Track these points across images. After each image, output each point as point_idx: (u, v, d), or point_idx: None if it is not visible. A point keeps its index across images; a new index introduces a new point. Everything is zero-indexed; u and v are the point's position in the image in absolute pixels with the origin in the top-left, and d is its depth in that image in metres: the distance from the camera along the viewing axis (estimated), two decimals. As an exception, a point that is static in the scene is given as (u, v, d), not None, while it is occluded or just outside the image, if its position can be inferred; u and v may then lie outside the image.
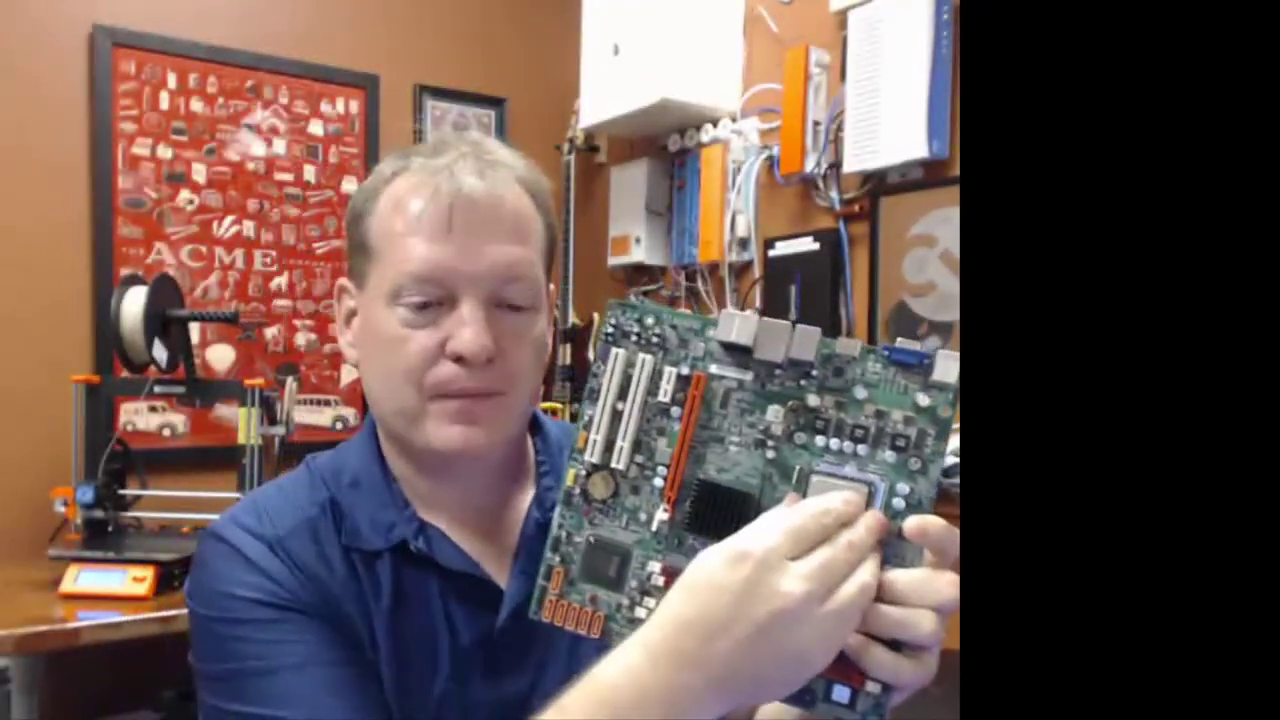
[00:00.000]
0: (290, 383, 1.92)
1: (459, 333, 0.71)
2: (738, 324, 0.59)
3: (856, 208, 1.87)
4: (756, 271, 2.10)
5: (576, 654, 0.75)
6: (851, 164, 1.81)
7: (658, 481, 0.60)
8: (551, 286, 0.81)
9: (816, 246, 1.93)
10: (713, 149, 2.15)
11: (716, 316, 0.60)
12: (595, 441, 0.61)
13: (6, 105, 2.05)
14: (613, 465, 0.61)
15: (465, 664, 0.74)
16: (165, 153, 2.21)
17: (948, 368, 0.56)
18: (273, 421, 1.85)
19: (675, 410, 0.60)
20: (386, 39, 2.48)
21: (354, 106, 2.45)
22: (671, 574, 0.59)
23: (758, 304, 2.08)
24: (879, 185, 1.83)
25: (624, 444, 0.61)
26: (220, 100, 2.28)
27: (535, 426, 0.85)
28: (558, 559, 0.62)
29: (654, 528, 0.60)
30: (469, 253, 0.71)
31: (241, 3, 2.31)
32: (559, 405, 2.40)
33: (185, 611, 0.75)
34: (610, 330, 0.62)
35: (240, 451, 1.79)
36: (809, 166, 1.92)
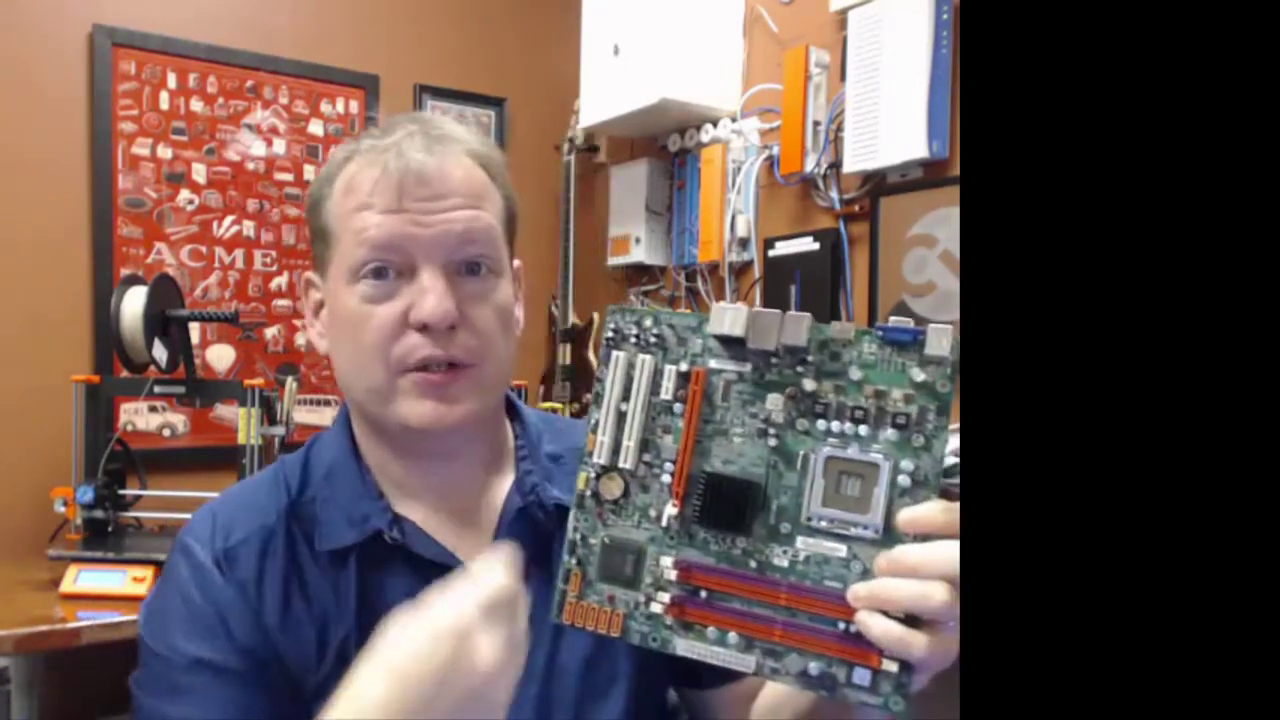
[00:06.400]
0: (290, 383, 1.91)
1: (420, 300, 0.71)
2: (729, 316, 0.59)
3: (856, 208, 1.87)
4: (756, 271, 2.10)
5: (553, 638, 0.76)
6: (851, 164, 1.81)
7: (665, 478, 0.61)
8: (517, 263, 0.81)
9: (816, 246, 1.93)
10: (713, 149, 2.15)
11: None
12: (603, 443, 0.62)
13: (6, 105, 2.05)
14: (621, 465, 0.61)
15: None
16: (165, 153, 2.21)
17: (940, 341, 0.56)
18: (273, 421, 1.85)
19: (678, 407, 0.61)
20: (386, 39, 2.48)
21: (354, 106, 2.44)
22: (685, 569, 0.60)
23: (758, 304, 2.08)
24: (879, 185, 1.83)
25: (630, 443, 0.61)
26: (220, 100, 2.27)
27: (514, 413, 0.86)
28: (574, 561, 0.62)
29: (664, 524, 0.60)
30: (422, 220, 0.72)
31: (241, 3, 2.31)
32: (559, 405, 2.40)
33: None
34: (611, 334, 0.62)
35: (240, 451, 1.79)
36: (809, 166, 1.92)
